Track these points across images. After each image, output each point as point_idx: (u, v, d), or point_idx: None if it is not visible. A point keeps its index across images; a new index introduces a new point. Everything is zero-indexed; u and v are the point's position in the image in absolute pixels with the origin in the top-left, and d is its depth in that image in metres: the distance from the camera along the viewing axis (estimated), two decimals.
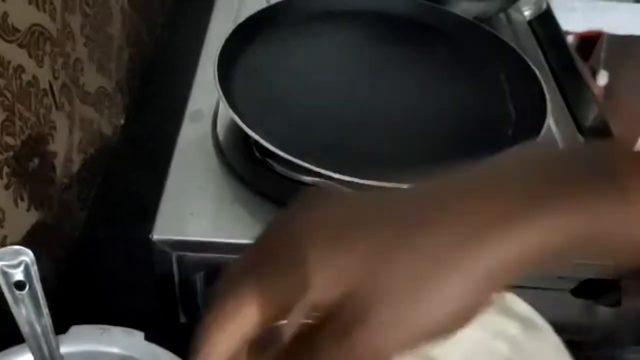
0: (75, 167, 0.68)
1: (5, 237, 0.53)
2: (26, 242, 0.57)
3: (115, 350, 0.44)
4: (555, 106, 0.64)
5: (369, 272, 0.24)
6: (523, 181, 0.25)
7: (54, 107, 0.61)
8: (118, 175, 0.78)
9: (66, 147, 0.65)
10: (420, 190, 0.27)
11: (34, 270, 0.37)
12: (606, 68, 1.25)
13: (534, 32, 0.86)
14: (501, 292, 0.25)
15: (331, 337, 0.24)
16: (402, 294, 0.24)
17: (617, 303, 0.56)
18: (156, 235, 0.52)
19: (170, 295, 0.56)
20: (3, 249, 0.37)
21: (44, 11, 0.58)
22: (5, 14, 0.50)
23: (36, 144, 0.58)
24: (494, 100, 0.66)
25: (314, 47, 0.72)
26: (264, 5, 0.73)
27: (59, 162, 0.63)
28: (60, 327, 0.43)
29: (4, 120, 0.51)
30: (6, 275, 0.37)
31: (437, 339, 0.24)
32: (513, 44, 0.72)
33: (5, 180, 0.52)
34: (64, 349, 0.43)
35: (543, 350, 0.32)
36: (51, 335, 0.41)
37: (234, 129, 0.60)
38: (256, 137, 0.53)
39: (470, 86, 0.68)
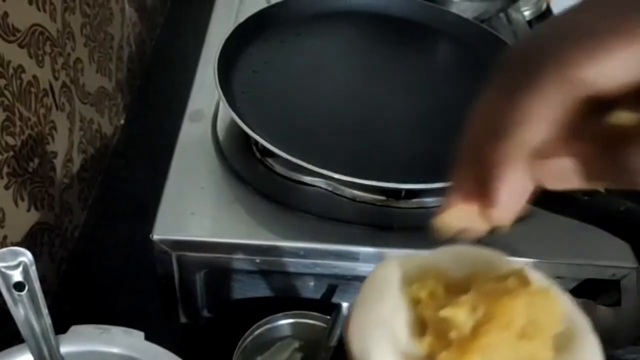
0: (75, 167, 0.68)
1: (5, 237, 0.53)
2: (26, 242, 0.57)
3: (115, 350, 0.44)
4: None
5: None
6: None
7: (54, 107, 0.61)
8: (118, 175, 0.78)
9: (66, 147, 0.65)
10: None
11: (33, 270, 0.37)
12: None
13: None
14: None
15: None
16: None
17: (617, 303, 0.56)
18: (156, 235, 0.52)
19: (170, 295, 0.56)
20: (2, 250, 0.37)
21: (44, 11, 0.58)
22: (6, 14, 0.50)
23: (36, 144, 0.58)
24: None
25: (314, 47, 0.72)
26: (264, 5, 0.73)
27: (59, 162, 0.63)
28: (60, 327, 0.43)
29: (4, 120, 0.51)
30: (5, 276, 0.37)
31: None
32: None
33: (5, 180, 0.52)
34: (64, 349, 0.43)
35: None
36: (51, 335, 0.41)
37: (234, 129, 0.60)
38: (256, 137, 0.53)
39: (470, 86, 0.68)
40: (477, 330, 0.25)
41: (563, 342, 0.27)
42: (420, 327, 0.27)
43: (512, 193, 0.22)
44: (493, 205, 0.23)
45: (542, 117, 0.22)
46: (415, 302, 0.27)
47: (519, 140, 0.22)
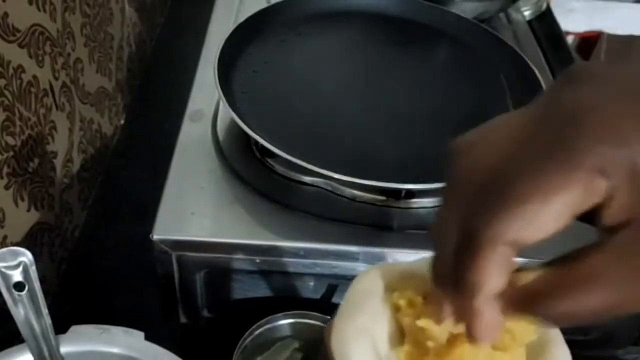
0: (75, 167, 0.68)
1: (5, 237, 0.53)
2: (26, 242, 0.57)
3: (115, 350, 0.44)
4: None
5: None
6: None
7: (54, 107, 0.61)
8: (118, 175, 0.78)
9: (66, 147, 0.65)
10: None
11: (33, 270, 0.37)
12: None
13: (534, 32, 0.86)
14: None
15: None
16: None
17: None
18: (156, 235, 0.52)
19: (170, 295, 0.56)
20: (2, 250, 0.37)
21: (44, 11, 0.58)
22: (6, 14, 0.50)
23: (36, 144, 0.58)
24: (494, 100, 0.66)
25: (314, 47, 0.72)
26: (264, 5, 0.73)
27: (59, 162, 0.63)
28: (60, 327, 0.43)
29: (4, 120, 0.51)
30: (5, 276, 0.37)
31: None
32: (513, 44, 0.72)
33: (5, 180, 0.52)
34: (64, 349, 0.43)
35: None
36: (51, 335, 0.41)
37: (234, 129, 0.60)
38: (256, 137, 0.53)
39: (471, 86, 0.68)
40: (453, 341, 0.25)
41: (536, 351, 0.27)
42: (402, 334, 0.27)
43: (490, 325, 0.24)
44: (476, 339, 0.24)
45: (493, 276, 0.24)
46: (396, 310, 0.28)
47: (482, 295, 0.24)
